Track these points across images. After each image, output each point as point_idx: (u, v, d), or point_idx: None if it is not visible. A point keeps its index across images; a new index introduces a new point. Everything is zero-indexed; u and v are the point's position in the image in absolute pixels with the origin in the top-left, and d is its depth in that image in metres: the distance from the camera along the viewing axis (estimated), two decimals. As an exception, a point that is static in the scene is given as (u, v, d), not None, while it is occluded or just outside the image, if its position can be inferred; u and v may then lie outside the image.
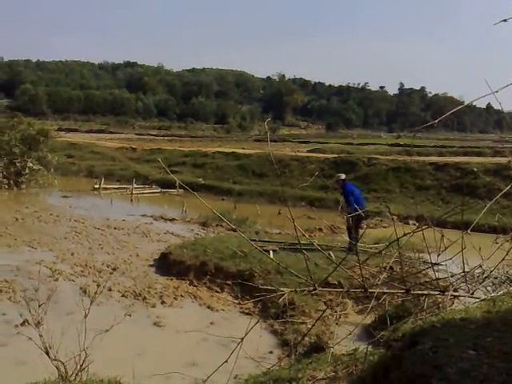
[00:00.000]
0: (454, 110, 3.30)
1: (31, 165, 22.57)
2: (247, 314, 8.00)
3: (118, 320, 5.01)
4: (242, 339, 3.49)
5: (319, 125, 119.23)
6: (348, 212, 10.41)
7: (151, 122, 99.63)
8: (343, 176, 11.42)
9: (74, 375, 4.53)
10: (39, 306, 4.65)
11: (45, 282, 8.64)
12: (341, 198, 11.59)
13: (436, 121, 2.92)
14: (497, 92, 2.46)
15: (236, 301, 8.49)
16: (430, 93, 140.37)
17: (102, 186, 23.20)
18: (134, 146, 36.24)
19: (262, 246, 9.59)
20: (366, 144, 45.48)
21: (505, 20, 2.01)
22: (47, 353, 4.51)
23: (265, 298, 3.91)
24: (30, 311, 4.70)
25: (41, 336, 4.51)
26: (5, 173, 22.18)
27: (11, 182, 22.12)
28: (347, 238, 10.54)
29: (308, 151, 33.43)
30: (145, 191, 23.43)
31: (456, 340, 2.39)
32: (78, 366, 4.54)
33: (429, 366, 2.19)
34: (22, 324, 6.47)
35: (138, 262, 10.81)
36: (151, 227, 14.95)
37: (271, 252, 9.70)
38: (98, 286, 8.03)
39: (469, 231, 3.36)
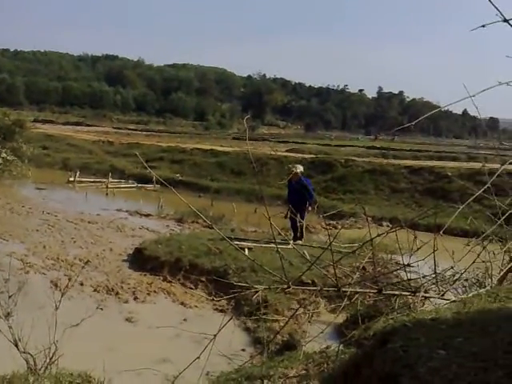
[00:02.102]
0: (429, 113, 3.36)
1: (5, 155, 22.15)
2: (221, 311, 8.01)
3: (89, 314, 4.96)
4: (215, 336, 3.48)
5: (298, 125, 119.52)
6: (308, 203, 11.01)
7: (130, 116, 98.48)
8: (301, 168, 11.66)
9: (43, 368, 4.48)
10: (9, 297, 4.58)
11: (15, 274, 8.50)
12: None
13: (412, 123, 2.96)
14: (473, 96, 2.51)
15: (210, 298, 8.46)
16: (408, 97, 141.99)
17: (77, 178, 22.94)
18: (111, 140, 35.85)
19: (237, 244, 9.60)
20: (344, 146, 45.72)
21: (483, 26, 2.05)
22: (16, 345, 4.45)
23: (239, 295, 3.91)
24: (-1, 303, 4.62)
25: (10, 328, 4.44)
26: (-23, 163, 21.76)
27: (-16, 172, 21.71)
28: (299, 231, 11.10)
29: (286, 151, 33.52)
30: (121, 185, 23.22)
31: (426, 339, 2.41)
32: (48, 359, 4.49)
33: (399, 365, 2.21)
34: (-9, 316, 6.36)
35: (111, 257, 10.70)
36: (126, 222, 14.82)
37: (246, 250, 9.71)
38: (70, 279, 7.92)
39: (441, 233, 3.41)
